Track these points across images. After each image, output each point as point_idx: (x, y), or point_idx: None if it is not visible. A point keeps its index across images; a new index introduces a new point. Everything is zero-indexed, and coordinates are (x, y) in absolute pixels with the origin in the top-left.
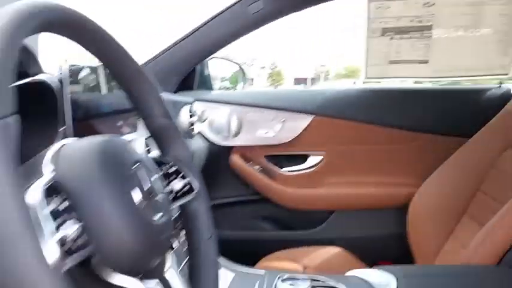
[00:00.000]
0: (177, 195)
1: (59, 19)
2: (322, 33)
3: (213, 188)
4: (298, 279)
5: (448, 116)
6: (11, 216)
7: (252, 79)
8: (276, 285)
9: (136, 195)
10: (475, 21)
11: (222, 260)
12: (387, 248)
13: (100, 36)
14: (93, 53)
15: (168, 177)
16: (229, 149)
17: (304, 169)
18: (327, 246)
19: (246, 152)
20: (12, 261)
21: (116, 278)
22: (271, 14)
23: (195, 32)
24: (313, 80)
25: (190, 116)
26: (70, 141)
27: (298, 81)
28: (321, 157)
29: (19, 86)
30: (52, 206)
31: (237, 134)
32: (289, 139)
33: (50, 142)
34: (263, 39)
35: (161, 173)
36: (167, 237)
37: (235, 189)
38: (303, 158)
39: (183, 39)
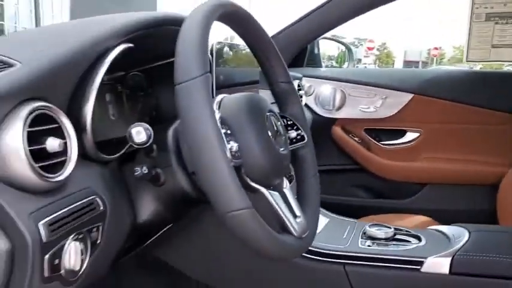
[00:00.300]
0: (292, 142)
1: (231, 14)
2: (439, 14)
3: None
4: (384, 226)
5: None
6: (211, 136)
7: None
8: (365, 229)
9: (270, 132)
10: None
11: (324, 211)
12: (476, 223)
13: (253, 24)
14: (242, 35)
15: (286, 128)
16: (332, 121)
17: (402, 143)
18: (417, 215)
19: (347, 125)
20: (210, 156)
21: (254, 185)
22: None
23: (308, 15)
24: (425, 64)
25: (298, 90)
26: (226, 95)
27: (409, 64)
28: (418, 133)
29: None
30: (222, 131)
31: (340, 107)
32: (389, 115)
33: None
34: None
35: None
36: (287, 165)
37: (336, 158)
38: (401, 133)
39: (296, 22)
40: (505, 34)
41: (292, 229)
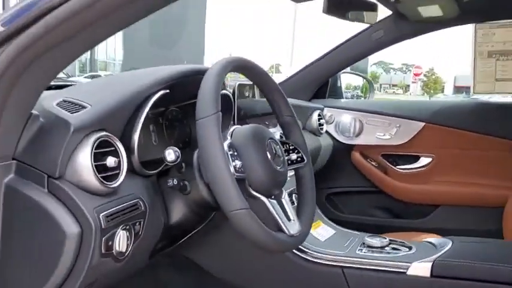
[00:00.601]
0: (293, 162)
1: (241, 65)
2: None
3: (336, 178)
4: (381, 237)
5: None
6: (218, 156)
7: (408, 86)
8: (364, 239)
9: (269, 154)
10: None
11: (332, 224)
12: None
13: (259, 73)
14: (252, 80)
15: (288, 152)
16: (351, 147)
17: (416, 168)
18: (429, 233)
19: (365, 150)
20: (219, 175)
21: (255, 194)
22: (390, 40)
23: (327, 54)
24: None
25: (319, 119)
26: (238, 126)
27: (459, 89)
28: (431, 159)
29: None
30: (230, 152)
31: (358, 134)
32: (403, 141)
33: (228, 125)
34: (422, 45)
35: (284, 148)
36: (283, 180)
37: (355, 180)
38: (415, 158)
39: (318, 59)
40: (506, 69)
41: (285, 228)
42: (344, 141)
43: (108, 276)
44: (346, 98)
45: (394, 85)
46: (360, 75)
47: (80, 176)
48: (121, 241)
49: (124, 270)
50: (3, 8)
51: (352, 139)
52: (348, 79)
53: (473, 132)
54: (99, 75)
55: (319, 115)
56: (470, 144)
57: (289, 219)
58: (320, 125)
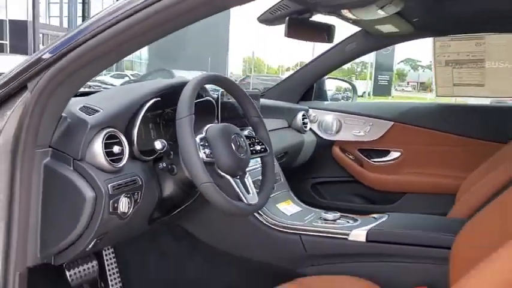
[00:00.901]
0: (258, 152)
1: (213, 79)
2: None
3: (319, 169)
4: (334, 213)
5: (491, 127)
6: (190, 145)
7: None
8: (321, 215)
9: (233, 145)
10: None
11: (300, 203)
12: None
13: (229, 83)
14: (225, 89)
15: (254, 144)
16: (332, 143)
17: (387, 161)
18: None
19: (344, 146)
20: (190, 158)
21: (222, 174)
22: (362, 51)
23: (312, 62)
24: None
25: (303, 119)
26: (212, 124)
27: None
28: (399, 153)
29: (199, 102)
30: (201, 143)
31: (338, 132)
32: (375, 138)
33: (205, 125)
34: None
35: (248, 142)
36: (245, 164)
37: (335, 171)
38: (386, 153)
39: (304, 66)
40: (461, 76)
41: (244, 199)
42: (326, 138)
43: (115, 231)
44: (336, 99)
45: (422, 83)
46: (345, 81)
47: (95, 159)
48: (124, 204)
49: (128, 227)
50: (34, 10)
51: (332, 136)
52: (339, 82)
53: (435, 130)
54: (125, 75)
55: (303, 115)
56: (432, 141)
57: (248, 193)
58: (304, 123)
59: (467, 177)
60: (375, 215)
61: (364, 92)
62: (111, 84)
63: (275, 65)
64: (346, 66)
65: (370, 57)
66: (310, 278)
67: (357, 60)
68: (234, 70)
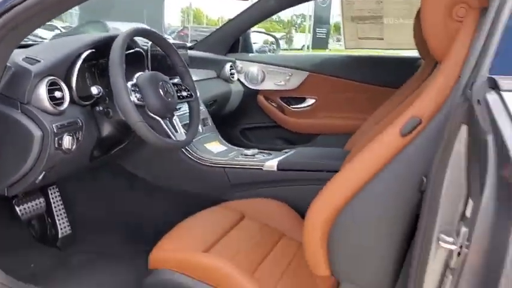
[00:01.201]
0: (185, 97)
1: (142, 32)
2: None
3: (246, 116)
4: (253, 150)
5: (388, 75)
6: (121, 89)
7: None
8: (242, 152)
9: (161, 90)
10: (410, 13)
11: (226, 144)
12: None
13: (157, 36)
14: (153, 42)
15: (181, 91)
16: (257, 92)
17: (304, 107)
18: None
19: (268, 94)
20: (122, 101)
21: (152, 115)
22: (277, 7)
23: (238, 16)
24: None
25: (231, 69)
26: (142, 73)
27: None
28: (314, 100)
29: (130, 53)
30: (132, 88)
31: (262, 81)
32: (294, 87)
33: (135, 74)
34: None
35: (176, 88)
36: (172, 107)
37: (260, 118)
38: (303, 100)
39: (231, 20)
40: (364, 30)
41: (172, 136)
42: (251, 87)
43: (61, 165)
44: (264, 51)
45: None
46: (269, 34)
47: (40, 102)
48: (67, 142)
49: (72, 162)
50: None
51: (257, 85)
52: (266, 36)
53: (343, 78)
54: (56, 27)
55: (231, 66)
56: (341, 88)
57: (176, 132)
58: (231, 74)
59: (368, 118)
60: (286, 150)
61: (304, 45)
62: (41, 37)
63: (215, 16)
64: (286, 19)
65: (309, 10)
66: (233, 202)
67: (297, 12)
68: (173, 21)
